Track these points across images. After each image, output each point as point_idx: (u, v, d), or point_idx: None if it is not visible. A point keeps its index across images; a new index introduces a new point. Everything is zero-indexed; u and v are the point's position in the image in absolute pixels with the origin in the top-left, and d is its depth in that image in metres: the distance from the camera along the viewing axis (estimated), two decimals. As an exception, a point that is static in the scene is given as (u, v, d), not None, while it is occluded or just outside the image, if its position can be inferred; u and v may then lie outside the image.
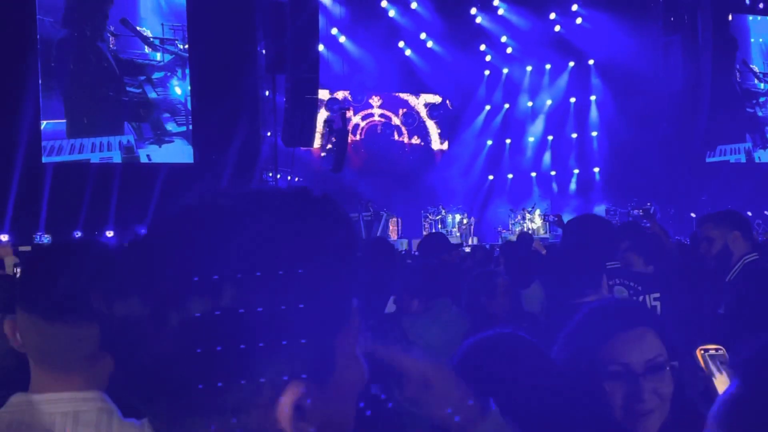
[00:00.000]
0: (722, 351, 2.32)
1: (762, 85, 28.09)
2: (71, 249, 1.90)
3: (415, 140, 25.93)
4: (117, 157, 19.47)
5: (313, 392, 0.89)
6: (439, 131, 26.15)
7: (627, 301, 1.96)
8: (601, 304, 2.17)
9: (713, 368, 2.28)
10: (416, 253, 15.03)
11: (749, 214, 24.15)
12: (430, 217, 22.78)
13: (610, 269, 4.64)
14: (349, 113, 22.33)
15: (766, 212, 24.70)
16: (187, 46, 20.23)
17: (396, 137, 25.66)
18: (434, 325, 4.39)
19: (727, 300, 4.36)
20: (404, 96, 25.65)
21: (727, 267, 4.52)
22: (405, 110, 25.70)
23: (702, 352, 2.31)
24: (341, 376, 0.94)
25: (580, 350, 2.03)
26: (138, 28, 19.79)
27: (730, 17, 25.17)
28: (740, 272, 4.44)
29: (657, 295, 4.53)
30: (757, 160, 27.68)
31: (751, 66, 27.84)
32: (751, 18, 27.63)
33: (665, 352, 2.03)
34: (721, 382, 2.27)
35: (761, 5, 27.09)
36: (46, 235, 17.33)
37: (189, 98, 20.25)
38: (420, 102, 25.91)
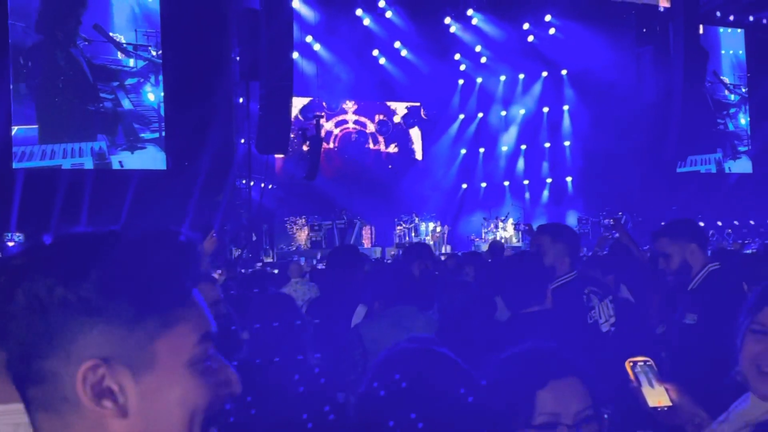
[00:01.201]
0: (651, 362, 2.36)
1: (732, 97, 28.43)
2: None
3: (392, 149, 25.94)
4: (89, 164, 19.32)
5: (119, 378, 1.03)
6: (422, 139, 26.21)
7: (557, 348, 1.86)
8: (529, 348, 2.03)
9: (643, 380, 2.32)
10: (389, 260, 15.04)
11: (719, 223, 24.45)
12: (404, 225, 22.81)
13: (581, 278, 4.73)
14: (323, 120, 22.32)
15: (735, 222, 24.99)
16: (160, 53, 20.15)
17: (372, 145, 25.67)
18: (394, 330, 4.39)
19: (693, 310, 4.34)
20: (380, 103, 25.68)
21: (687, 279, 4.48)
22: (380, 118, 25.72)
23: (631, 364, 2.35)
24: (158, 380, 1.06)
25: (505, 395, 1.87)
26: (111, 34, 19.69)
27: (701, 29, 25.44)
28: (705, 281, 4.42)
29: (611, 297, 4.63)
30: (727, 171, 27.99)
31: (722, 77, 28.16)
32: (722, 30, 27.97)
33: (591, 404, 1.92)
34: (650, 393, 2.31)
35: (732, 17, 27.42)
36: (18, 234, 17.15)
37: (162, 105, 20.17)
38: (397, 108, 25.95)
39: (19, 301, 1.02)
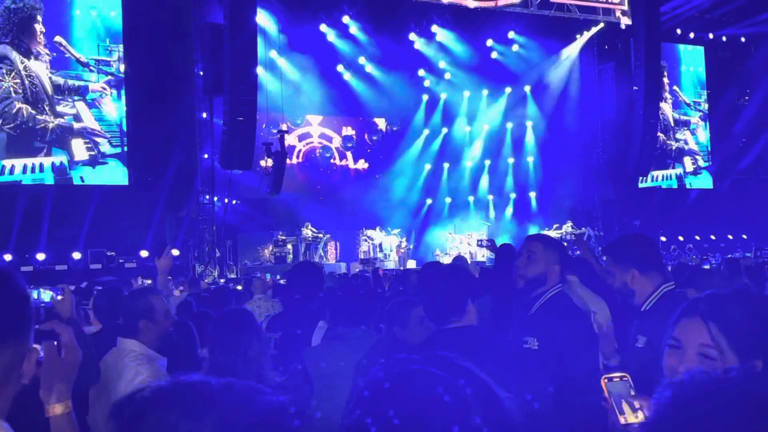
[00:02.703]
0: (627, 377, 2.35)
1: (692, 113, 28.81)
2: None
3: (362, 164, 25.90)
4: (49, 179, 19.08)
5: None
6: (387, 155, 26.21)
7: None
8: None
9: (617, 396, 2.31)
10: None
11: (680, 238, 24.70)
12: (368, 240, 22.80)
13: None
14: (287, 135, 22.24)
15: (696, 237, 25.27)
16: (123, 67, 19.99)
17: (338, 161, 25.63)
18: (339, 350, 4.39)
19: (642, 332, 4.19)
20: (345, 118, 25.68)
21: (635, 300, 4.36)
22: (346, 133, 25.71)
23: (606, 380, 2.33)
24: None
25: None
26: (73, 48, 19.51)
27: (662, 46, 25.77)
28: (658, 303, 4.27)
29: None
30: (687, 186, 28.33)
31: (682, 94, 28.54)
32: (682, 47, 28.36)
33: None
34: (624, 409, 2.30)
35: (692, 35, 27.82)
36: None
37: (124, 120, 19.99)
38: (363, 123, 25.96)
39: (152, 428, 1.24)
